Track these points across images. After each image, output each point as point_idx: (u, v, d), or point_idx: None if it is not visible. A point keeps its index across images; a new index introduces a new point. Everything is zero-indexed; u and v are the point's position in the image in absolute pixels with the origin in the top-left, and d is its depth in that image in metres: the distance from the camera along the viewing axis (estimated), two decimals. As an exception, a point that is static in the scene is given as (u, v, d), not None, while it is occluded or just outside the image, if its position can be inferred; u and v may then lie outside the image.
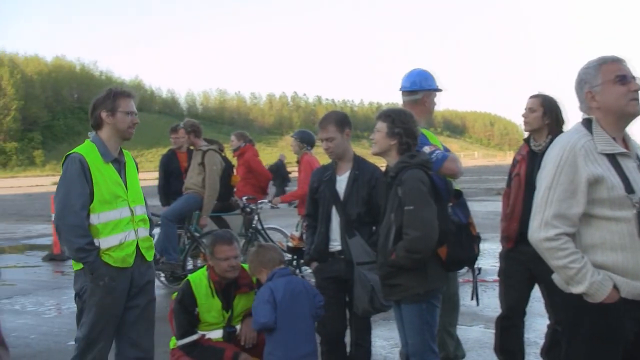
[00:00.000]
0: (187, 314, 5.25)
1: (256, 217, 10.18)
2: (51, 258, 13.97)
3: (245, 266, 5.45)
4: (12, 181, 61.17)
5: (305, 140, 9.43)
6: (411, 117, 4.57)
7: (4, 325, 8.09)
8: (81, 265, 4.62)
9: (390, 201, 4.41)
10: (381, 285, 4.58)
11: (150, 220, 4.99)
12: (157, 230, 9.31)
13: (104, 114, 4.70)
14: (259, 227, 10.28)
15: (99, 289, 4.57)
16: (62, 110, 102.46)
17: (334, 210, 5.24)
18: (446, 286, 4.68)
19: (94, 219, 4.58)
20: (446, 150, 5.17)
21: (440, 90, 5.69)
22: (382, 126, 4.53)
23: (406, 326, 4.47)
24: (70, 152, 4.72)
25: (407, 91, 5.66)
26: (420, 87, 5.61)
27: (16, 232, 20.23)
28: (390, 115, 4.54)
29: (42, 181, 56.68)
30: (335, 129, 5.24)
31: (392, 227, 4.34)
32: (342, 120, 5.34)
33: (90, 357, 4.65)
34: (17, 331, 8.00)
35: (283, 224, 11.67)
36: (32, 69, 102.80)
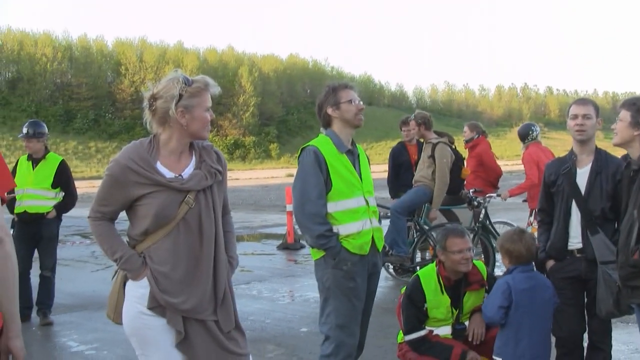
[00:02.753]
0: (415, 309, 5.21)
1: (483, 211, 9.97)
2: (285, 247, 14.55)
3: (477, 262, 5.33)
4: (250, 173, 64.55)
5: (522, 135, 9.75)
6: None
7: (243, 309, 8.53)
8: (321, 253, 4.72)
9: (634, 196, 4.09)
10: (622, 286, 4.27)
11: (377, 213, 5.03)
12: (385, 223, 9.42)
13: (330, 110, 4.83)
14: (486, 221, 10.06)
15: (342, 273, 4.66)
16: (296, 105, 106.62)
17: (574, 206, 4.93)
18: None
19: (332, 207, 4.70)
20: None
21: None
22: (625, 115, 4.22)
23: None
24: (306, 144, 4.88)
25: None
26: None
27: (253, 221, 21.27)
28: (636, 104, 4.21)
29: (277, 173, 59.29)
30: (593, 109, 4.95)
31: (636, 224, 4.02)
32: (597, 106, 5.04)
33: (342, 355, 4.73)
34: (253, 315, 8.38)
35: (513, 217, 11.35)
36: (268, 67, 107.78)
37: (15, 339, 2.83)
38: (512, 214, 12.92)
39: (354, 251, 4.67)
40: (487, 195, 10.05)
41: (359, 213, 4.73)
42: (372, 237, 4.79)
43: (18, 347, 2.84)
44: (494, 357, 4.91)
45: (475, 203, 9.82)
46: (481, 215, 9.93)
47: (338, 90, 4.84)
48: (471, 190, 9.88)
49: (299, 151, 4.91)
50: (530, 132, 9.91)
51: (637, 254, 3.97)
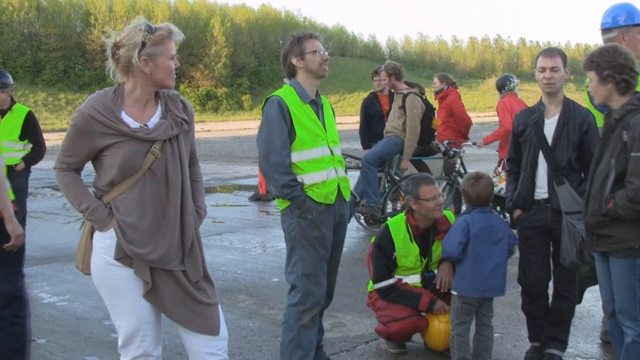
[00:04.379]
0: (384, 258, 5.27)
1: (459, 161, 10.05)
2: (257, 198, 14.59)
3: (446, 212, 5.38)
4: (222, 125, 64.33)
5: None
6: (616, 51, 4.22)
7: (214, 260, 8.58)
8: (287, 204, 4.73)
9: (612, 145, 4.11)
10: (588, 233, 4.33)
11: (343, 163, 5.04)
12: (355, 174, 9.45)
13: (294, 60, 4.80)
14: (462, 170, 10.14)
15: (307, 222, 4.68)
16: (268, 56, 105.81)
17: (540, 156, 4.95)
18: None
19: (296, 156, 4.70)
20: None
21: None
22: (591, 75, 4.24)
23: (615, 281, 4.19)
24: (269, 95, 4.86)
25: (603, 29, 5.29)
26: (615, 24, 5.21)
27: (225, 172, 21.26)
28: (594, 61, 4.22)
29: (250, 125, 59.14)
30: (561, 60, 4.95)
31: (612, 173, 4.04)
32: (565, 55, 5.04)
33: (310, 304, 4.78)
34: (225, 266, 8.43)
35: (484, 168, 11.43)
36: (240, 17, 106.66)
37: (8, 223, 4.53)
38: (483, 165, 13.01)
39: (319, 200, 4.68)
40: (462, 144, 10.16)
41: (324, 162, 4.73)
42: (338, 187, 4.81)
43: (10, 229, 4.53)
44: (451, 291, 5.01)
45: (452, 153, 9.89)
46: (457, 165, 10.01)
47: (303, 40, 4.80)
48: (446, 142, 9.95)
49: (263, 102, 4.89)
50: (508, 83, 10.04)
51: (611, 203, 4.01)
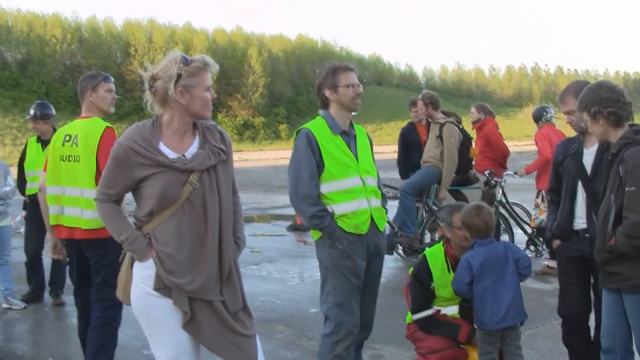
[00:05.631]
0: (422, 289, 5.22)
1: (500, 191, 9.99)
2: (295, 228, 14.58)
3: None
4: (259, 154, 64.55)
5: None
6: (599, 86, 4.22)
7: (252, 290, 8.57)
8: (319, 234, 4.76)
9: (611, 180, 4.09)
10: (600, 271, 4.29)
11: (382, 193, 5.06)
12: (394, 204, 9.41)
13: (327, 92, 4.85)
14: (504, 200, 10.08)
15: (338, 252, 4.68)
16: (305, 86, 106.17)
17: (579, 186, 4.90)
18: None
19: (325, 187, 4.74)
20: None
21: None
22: (585, 116, 4.26)
23: (630, 316, 4.14)
24: (300, 127, 4.93)
25: None
26: None
27: (263, 202, 21.29)
28: (582, 101, 4.26)
29: (287, 154, 58.45)
30: (574, 101, 4.88)
31: (612, 209, 4.03)
32: (580, 94, 4.96)
33: (343, 334, 4.75)
34: (263, 296, 8.41)
35: (522, 198, 11.33)
36: (277, 47, 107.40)
37: None
38: (521, 195, 12.89)
39: (349, 230, 4.70)
40: (503, 174, 10.12)
41: (355, 193, 4.75)
42: (371, 217, 4.80)
43: None
44: (474, 325, 5.00)
45: (493, 183, 9.84)
46: (498, 195, 9.96)
47: (337, 73, 4.84)
48: (487, 172, 9.90)
49: (294, 134, 4.94)
50: (544, 114, 9.99)
51: (613, 239, 3.97)
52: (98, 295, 5.36)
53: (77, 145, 5.30)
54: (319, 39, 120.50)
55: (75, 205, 5.27)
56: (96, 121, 5.41)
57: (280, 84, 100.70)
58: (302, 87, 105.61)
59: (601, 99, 4.16)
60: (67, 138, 5.38)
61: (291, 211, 17.15)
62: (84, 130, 5.34)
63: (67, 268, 5.93)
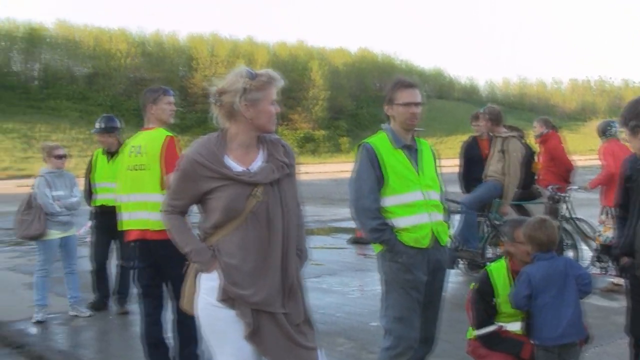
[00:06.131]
0: (485, 304, 5.16)
1: (565, 206, 9.84)
2: (355, 241, 14.56)
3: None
4: (320, 167, 64.68)
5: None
6: (638, 101, 4.21)
7: (313, 303, 8.52)
8: (381, 247, 4.76)
9: None
10: None
11: (445, 208, 5.04)
12: (456, 218, 9.35)
13: (386, 107, 4.93)
14: (568, 215, 9.93)
15: (398, 265, 4.69)
16: (366, 99, 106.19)
17: (648, 202, 4.81)
18: None
19: (387, 201, 4.77)
20: None
21: None
22: (625, 131, 4.22)
23: None
24: (362, 141, 4.97)
25: None
26: None
27: (324, 215, 21.32)
28: (622, 115, 4.30)
29: (348, 167, 58.43)
30: (625, 125, 4.81)
31: None
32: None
33: (402, 348, 4.74)
34: (324, 309, 8.43)
35: (586, 213, 11.14)
36: (338, 60, 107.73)
37: None
38: (586, 210, 12.66)
39: (410, 244, 4.70)
40: (568, 188, 9.99)
41: (416, 207, 4.75)
42: (433, 232, 4.78)
43: None
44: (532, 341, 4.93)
45: (557, 198, 9.71)
46: (564, 210, 9.82)
47: (396, 89, 4.86)
48: (551, 187, 9.78)
49: (357, 147, 4.96)
50: (609, 129, 9.84)
51: None
52: (176, 291, 5.47)
53: (142, 155, 5.73)
54: (379, 52, 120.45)
55: (143, 209, 5.63)
56: (158, 131, 5.84)
57: (341, 97, 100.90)
58: (363, 100, 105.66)
59: (639, 113, 4.11)
60: (133, 149, 5.84)
61: (352, 224, 17.10)
62: (147, 140, 5.79)
63: (134, 275, 6.09)
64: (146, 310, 5.94)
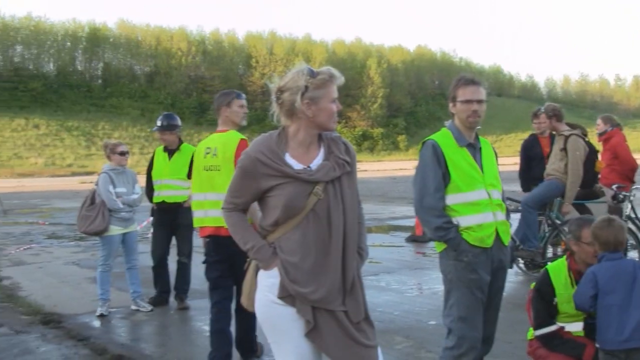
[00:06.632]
0: (545, 304, 5.10)
1: (628, 206, 9.65)
2: (413, 239, 14.53)
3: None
4: (377, 165, 64.72)
5: None
6: None
7: (371, 301, 8.52)
8: (444, 246, 4.73)
9: None
10: None
11: (505, 207, 4.98)
12: (515, 216, 9.25)
13: (450, 104, 4.87)
14: (632, 215, 9.73)
15: (462, 264, 4.65)
16: (424, 97, 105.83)
17: None
18: None
19: (451, 199, 4.71)
20: None
21: None
22: None
23: None
24: (426, 138, 4.90)
25: None
26: None
27: (382, 213, 21.31)
28: None
29: (405, 165, 59.13)
30: None
31: None
32: None
33: (465, 348, 4.72)
34: (382, 307, 8.41)
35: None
36: (396, 58, 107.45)
37: None
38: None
39: (474, 243, 4.65)
40: (632, 188, 9.79)
41: (480, 206, 4.70)
42: (496, 231, 4.74)
43: None
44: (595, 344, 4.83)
45: (621, 197, 9.54)
46: (627, 210, 9.63)
47: (459, 86, 4.80)
48: (614, 186, 9.60)
49: (420, 145, 4.93)
50: None
51: None
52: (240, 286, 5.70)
53: (216, 156, 6.00)
54: (438, 49, 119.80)
55: (217, 207, 5.71)
56: (232, 134, 6.11)
57: (399, 95, 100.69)
58: (421, 98, 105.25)
59: None
60: (208, 150, 6.10)
61: (410, 222, 17.12)
62: (221, 142, 6.05)
63: (205, 269, 6.19)
64: (214, 301, 6.10)
